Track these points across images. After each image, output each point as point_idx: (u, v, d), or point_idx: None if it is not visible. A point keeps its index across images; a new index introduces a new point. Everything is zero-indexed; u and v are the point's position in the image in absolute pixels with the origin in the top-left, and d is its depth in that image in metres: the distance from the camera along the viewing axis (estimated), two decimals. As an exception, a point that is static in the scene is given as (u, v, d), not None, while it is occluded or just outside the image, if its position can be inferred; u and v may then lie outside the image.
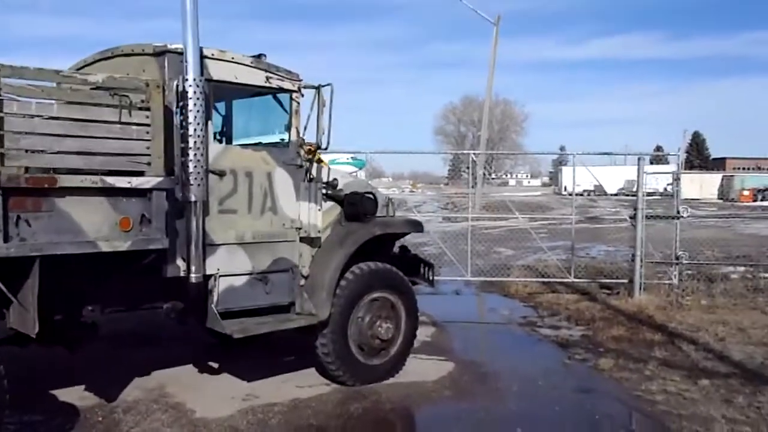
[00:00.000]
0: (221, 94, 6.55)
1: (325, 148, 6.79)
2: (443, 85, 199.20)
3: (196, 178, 5.86)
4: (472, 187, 19.67)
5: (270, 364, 7.87)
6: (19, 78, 4.97)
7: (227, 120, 7.50)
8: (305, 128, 6.84)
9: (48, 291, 5.37)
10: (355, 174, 11.62)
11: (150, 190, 5.52)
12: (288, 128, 6.85)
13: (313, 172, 7.08)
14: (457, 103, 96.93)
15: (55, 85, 5.19)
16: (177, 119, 5.88)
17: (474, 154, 16.23)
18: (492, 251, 17.50)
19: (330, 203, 7.26)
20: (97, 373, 7.34)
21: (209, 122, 6.20)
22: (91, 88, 5.34)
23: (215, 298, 6.31)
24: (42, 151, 5.13)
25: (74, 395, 6.78)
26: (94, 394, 6.86)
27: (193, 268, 5.96)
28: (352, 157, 34.56)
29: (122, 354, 8.17)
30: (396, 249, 8.39)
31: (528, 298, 12.71)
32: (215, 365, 7.93)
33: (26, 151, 5.04)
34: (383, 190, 10.64)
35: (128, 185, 5.40)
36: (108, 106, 5.38)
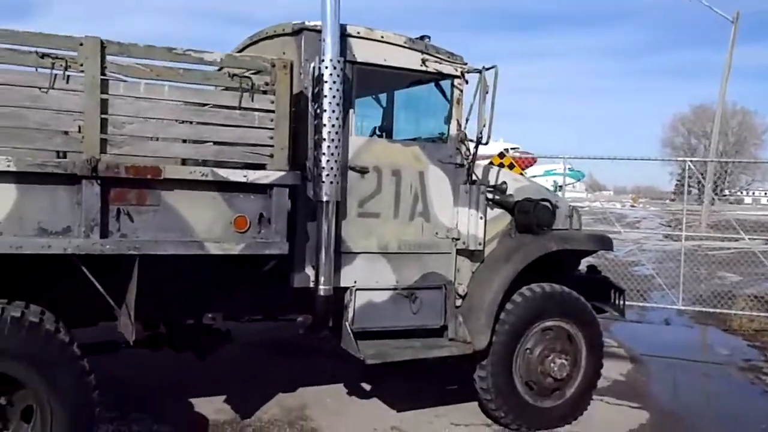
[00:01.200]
0: (370, 79, 5.66)
1: (486, 143, 5.66)
2: (671, 94, 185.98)
3: (329, 175, 5.02)
4: (697, 202, 17.31)
5: (426, 391, 6.86)
6: (127, 56, 4.42)
7: (387, 112, 6.63)
8: (467, 120, 5.76)
9: (155, 294, 4.81)
10: (567, 186, 10.22)
11: (270, 186, 4.75)
12: (447, 120, 5.82)
13: (477, 172, 6.00)
14: (688, 113, 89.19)
15: (166, 64, 4.58)
16: (311, 107, 5.09)
17: (690, 161, 13.93)
18: (714, 276, 15.13)
19: (497, 211, 6.12)
20: (238, 384, 6.79)
21: (351, 111, 5.36)
22: (208, 69, 4.68)
23: (350, 315, 5.44)
24: (149, 138, 4.55)
25: (209, 408, 6.24)
26: (231, 408, 6.30)
27: (322, 279, 5.12)
28: (569, 168, 32.55)
29: (267, 366, 7.58)
30: (583, 269, 7.04)
31: (754, 335, 10.55)
32: (367, 387, 7.07)
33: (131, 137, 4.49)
34: (600, 203, 9.18)
35: (243, 179, 4.66)
36: (226, 88, 4.71)
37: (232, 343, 5.88)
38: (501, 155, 10.78)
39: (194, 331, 5.61)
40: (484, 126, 5.58)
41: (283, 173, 4.76)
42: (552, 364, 6.03)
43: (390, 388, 6.92)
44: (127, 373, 6.69)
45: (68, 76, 4.26)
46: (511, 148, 19.74)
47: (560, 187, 13.56)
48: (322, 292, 5.13)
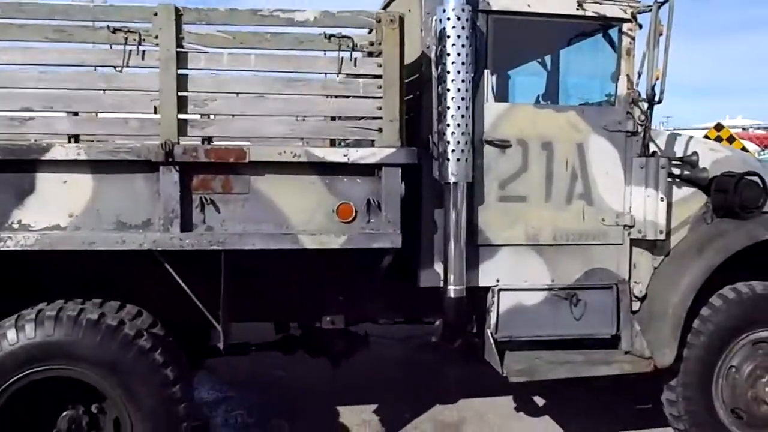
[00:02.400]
0: (513, 33, 4.63)
1: (659, 101, 4.39)
2: None
3: (455, 150, 4.12)
4: None
5: (612, 410, 5.65)
6: (206, 24, 3.85)
7: (551, 78, 5.54)
8: (639, 76, 4.54)
9: (257, 294, 4.27)
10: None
11: (378, 167, 3.96)
12: (615, 77, 4.63)
13: (658, 142, 4.74)
14: None
15: (251, 29, 3.94)
16: (435, 70, 4.21)
17: None
18: None
19: (686, 190, 4.80)
20: (386, 393, 6.07)
21: (486, 72, 4.40)
22: (300, 31, 3.98)
23: (493, 321, 4.48)
24: (234, 115, 3.96)
25: (354, 418, 5.60)
26: (378, 419, 5.62)
27: (451, 278, 4.23)
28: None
29: (420, 372, 6.72)
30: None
31: None
32: (540, 402, 6.02)
33: (215, 116, 3.93)
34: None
35: (344, 159, 3.91)
36: (322, 51, 3.99)
37: (369, 347, 5.17)
38: (718, 127, 9.00)
39: (327, 335, 4.97)
40: (658, 79, 4.32)
41: (392, 150, 3.95)
42: (767, 388, 4.61)
43: (568, 404, 5.82)
44: (271, 376, 6.27)
45: (143, 51, 3.78)
46: (751, 127, 16.97)
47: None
48: (451, 293, 4.24)
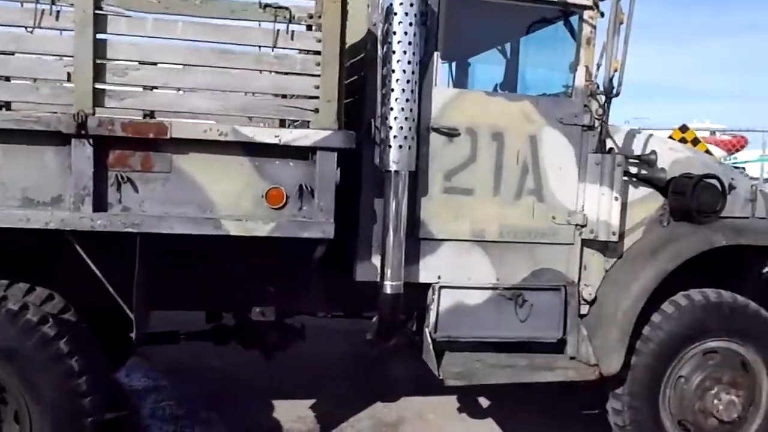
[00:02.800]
0: (467, 15, 4.36)
1: (617, 94, 4.15)
2: None
3: (397, 137, 3.84)
4: None
5: (558, 414, 5.43)
6: (130, -16, 3.53)
7: (510, 66, 5.28)
8: (598, 67, 4.29)
9: (178, 281, 3.99)
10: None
11: (313, 150, 3.68)
12: (573, 67, 4.38)
13: (617, 138, 4.51)
14: None
15: (180, -6, 3.63)
16: (381, 50, 3.93)
17: None
18: None
19: (643, 190, 4.58)
20: (326, 388, 5.81)
21: (436, 55, 4.13)
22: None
23: (432, 320, 4.23)
24: (156, 87, 3.64)
25: (289, 414, 5.32)
26: (314, 416, 5.38)
27: (388, 272, 3.95)
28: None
29: (363, 369, 6.46)
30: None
31: None
32: (484, 403, 5.79)
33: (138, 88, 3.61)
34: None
35: (275, 140, 3.62)
36: (256, 22, 3.69)
37: (305, 340, 4.90)
38: (683, 128, 8.81)
39: (261, 326, 4.68)
40: (616, 71, 4.08)
41: (328, 133, 3.66)
42: (716, 401, 4.41)
43: (513, 405, 5.59)
44: (208, 366, 5.98)
45: (57, 11, 3.45)
46: (718, 131, 16.88)
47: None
48: (388, 289, 3.96)
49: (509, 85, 5.21)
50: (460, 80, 5.69)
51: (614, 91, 4.09)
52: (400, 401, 5.71)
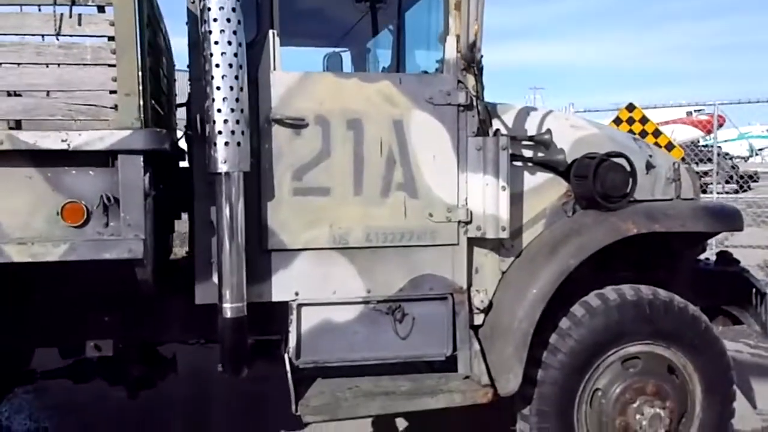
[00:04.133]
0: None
1: (480, 63, 3.51)
2: None
3: (223, 132, 3.23)
4: None
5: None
6: None
7: (395, 47, 4.64)
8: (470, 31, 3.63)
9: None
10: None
11: (114, 154, 3.08)
12: (443, 37, 3.75)
13: (504, 118, 3.88)
14: None
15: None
16: (200, 31, 3.32)
17: None
18: None
19: (542, 176, 3.94)
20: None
21: (272, 33, 3.52)
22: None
23: (292, 344, 3.60)
24: None
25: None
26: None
27: (227, 293, 3.34)
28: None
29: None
30: (709, 257, 4.62)
31: None
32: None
33: None
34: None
35: (64, 146, 3.02)
36: (33, 5, 3.10)
37: (177, 373, 4.29)
38: (629, 107, 8.10)
39: (123, 360, 4.08)
40: (476, 34, 3.43)
41: (128, 133, 3.06)
42: (639, 415, 3.76)
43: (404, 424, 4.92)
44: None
45: None
46: (695, 111, 16.08)
47: (758, 152, 10.45)
48: (228, 313, 3.34)
49: (396, 69, 4.58)
50: (359, 69, 5.10)
51: (476, 59, 3.45)
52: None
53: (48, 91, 3.11)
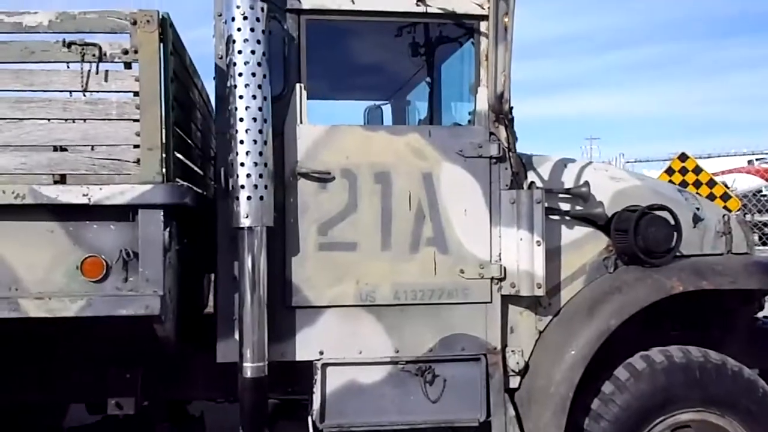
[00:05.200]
0: (340, 38, 3.73)
1: (509, 113, 3.37)
2: None
3: (245, 186, 3.18)
4: None
5: None
6: None
7: (432, 99, 4.57)
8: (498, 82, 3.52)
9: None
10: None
11: (134, 208, 3.05)
12: (474, 88, 3.65)
13: (540, 170, 3.74)
14: None
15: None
16: (228, 83, 3.30)
17: None
18: None
19: (581, 230, 3.76)
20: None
21: (299, 86, 3.48)
22: (33, 39, 3.12)
23: (317, 405, 3.45)
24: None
25: None
26: None
27: (247, 352, 3.23)
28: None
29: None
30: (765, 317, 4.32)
31: None
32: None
33: None
34: None
35: (84, 200, 3.01)
36: (61, 63, 3.13)
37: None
38: (682, 157, 7.83)
39: (151, 415, 3.99)
40: (504, 84, 3.31)
41: (148, 187, 3.04)
42: (691, 491, 3.48)
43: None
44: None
45: None
46: (757, 159, 15.55)
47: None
48: (248, 372, 3.23)
49: (432, 121, 4.49)
50: (399, 122, 5.04)
51: (505, 109, 3.32)
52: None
53: (73, 146, 3.12)
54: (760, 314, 4.44)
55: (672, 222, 3.63)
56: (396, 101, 5.14)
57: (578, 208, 3.74)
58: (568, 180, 3.77)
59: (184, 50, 3.66)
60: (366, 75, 4.54)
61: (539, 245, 3.50)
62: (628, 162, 8.97)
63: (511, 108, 3.32)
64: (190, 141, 3.80)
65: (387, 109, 5.14)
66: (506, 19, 3.23)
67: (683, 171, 7.57)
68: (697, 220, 3.89)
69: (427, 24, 3.68)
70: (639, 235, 3.57)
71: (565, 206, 3.73)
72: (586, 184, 3.68)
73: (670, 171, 7.76)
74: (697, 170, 7.56)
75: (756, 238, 9.20)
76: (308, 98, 3.54)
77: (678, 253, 3.78)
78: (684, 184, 7.53)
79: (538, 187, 3.55)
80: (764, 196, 12.56)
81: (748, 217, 9.30)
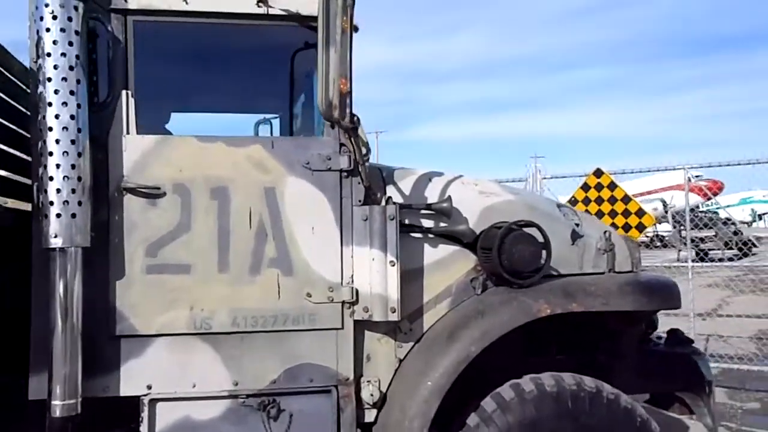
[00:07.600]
0: (179, 42, 3.42)
1: (353, 123, 3.05)
2: None
3: (55, 203, 2.86)
4: None
5: None
6: None
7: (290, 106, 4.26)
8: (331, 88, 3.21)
9: None
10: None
11: None
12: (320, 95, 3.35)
13: (401, 185, 3.45)
14: None
15: None
16: (41, 87, 2.98)
17: None
18: None
19: (446, 248, 3.47)
20: None
21: (126, 93, 3.16)
22: None
23: (145, 448, 3.10)
24: None
25: None
26: None
27: (56, 388, 2.89)
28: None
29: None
30: (659, 336, 4.06)
31: None
32: None
33: None
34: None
35: None
36: None
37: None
38: (597, 173, 7.62)
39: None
40: (342, 93, 2.99)
41: (-69, 205, 2.70)
42: None
43: None
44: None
45: None
46: (696, 176, 15.58)
47: (760, 216, 9.88)
48: (56, 411, 2.88)
49: (292, 133, 4.19)
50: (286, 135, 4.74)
51: (347, 118, 2.99)
52: None
53: None
54: (655, 334, 4.19)
55: (541, 239, 3.35)
56: (284, 114, 4.85)
57: (442, 225, 3.45)
58: (432, 195, 3.49)
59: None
60: (218, 84, 4.22)
61: (393, 265, 3.20)
62: (544, 178, 8.77)
63: (353, 116, 3.01)
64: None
65: (276, 123, 4.85)
66: (344, 21, 2.92)
67: (598, 187, 7.36)
68: (576, 237, 3.62)
69: (275, 27, 3.38)
70: (504, 253, 3.29)
71: (427, 223, 3.44)
72: (449, 199, 3.40)
73: (585, 187, 7.54)
74: (612, 186, 7.36)
75: (693, 253, 8.99)
76: (174, 111, 3.23)
77: (555, 272, 3.53)
78: (600, 200, 7.33)
79: (393, 203, 3.26)
80: (702, 212, 12.47)
81: (684, 233, 9.10)
